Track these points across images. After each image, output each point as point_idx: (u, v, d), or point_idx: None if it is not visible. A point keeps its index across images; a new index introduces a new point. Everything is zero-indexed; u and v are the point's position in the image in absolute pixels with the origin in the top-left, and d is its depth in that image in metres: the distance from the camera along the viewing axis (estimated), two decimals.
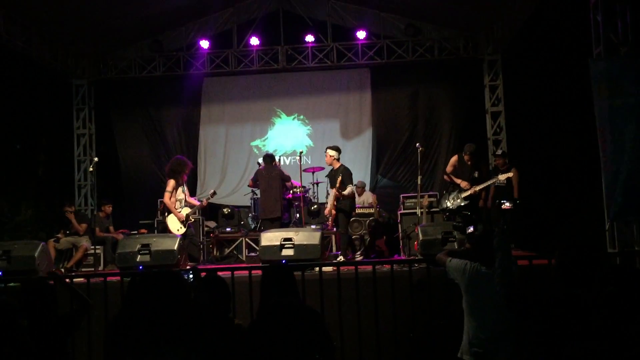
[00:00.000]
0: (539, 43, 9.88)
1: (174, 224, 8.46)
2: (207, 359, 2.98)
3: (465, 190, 8.66)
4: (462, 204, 8.66)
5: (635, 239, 6.49)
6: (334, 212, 8.75)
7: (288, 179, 10.08)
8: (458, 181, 8.80)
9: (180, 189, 8.56)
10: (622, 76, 6.51)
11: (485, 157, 11.59)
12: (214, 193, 9.29)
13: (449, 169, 9.06)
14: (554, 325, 3.05)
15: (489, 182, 8.65)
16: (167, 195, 8.42)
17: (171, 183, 8.45)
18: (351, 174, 8.83)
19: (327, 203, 9.02)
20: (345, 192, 8.50)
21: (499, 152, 10.00)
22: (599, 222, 6.82)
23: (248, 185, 10.66)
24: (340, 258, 8.59)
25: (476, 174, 8.70)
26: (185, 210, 8.52)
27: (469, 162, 8.80)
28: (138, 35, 12.29)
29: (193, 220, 8.84)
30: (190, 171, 9.08)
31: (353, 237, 9.75)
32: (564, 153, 9.12)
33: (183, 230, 8.43)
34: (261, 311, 3.36)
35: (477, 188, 8.59)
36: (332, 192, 8.76)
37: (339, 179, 8.41)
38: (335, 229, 9.35)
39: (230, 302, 3.65)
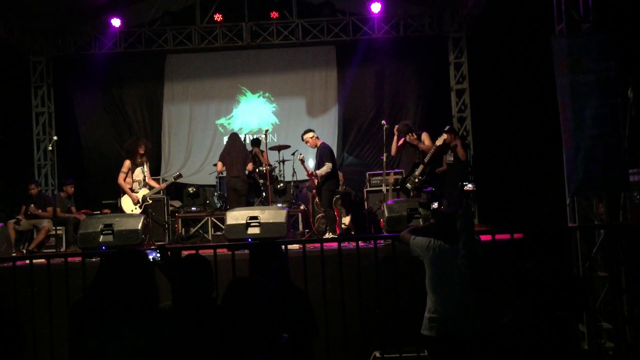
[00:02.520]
0: (503, 20, 9.91)
1: (128, 205, 8.41)
2: (169, 339, 2.94)
3: (418, 167, 8.78)
4: (422, 181, 8.77)
5: (595, 214, 6.62)
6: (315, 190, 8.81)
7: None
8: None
9: (139, 170, 8.49)
10: (584, 53, 6.57)
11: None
12: (179, 176, 9.18)
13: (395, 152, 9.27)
14: (519, 299, 3.08)
15: (431, 152, 8.70)
16: (121, 175, 8.40)
17: (126, 164, 8.43)
18: (330, 151, 8.88)
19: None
20: (318, 172, 8.56)
21: (447, 128, 9.97)
22: (561, 197, 6.93)
23: (217, 170, 10.08)
24: (329, 234, 8.66)
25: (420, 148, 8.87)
26: (143, 192, 8.44)
27: (410, 140, 8.95)
28: (98, 11, 11.94)
29: (151, 201, 8.70)
30: (150, 151, 8.97)
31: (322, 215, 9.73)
32: (527, 129, 9.23)
33: (138, 212, 8.34)
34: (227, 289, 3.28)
35: (425, 160, 8.71)
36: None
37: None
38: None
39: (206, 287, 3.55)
